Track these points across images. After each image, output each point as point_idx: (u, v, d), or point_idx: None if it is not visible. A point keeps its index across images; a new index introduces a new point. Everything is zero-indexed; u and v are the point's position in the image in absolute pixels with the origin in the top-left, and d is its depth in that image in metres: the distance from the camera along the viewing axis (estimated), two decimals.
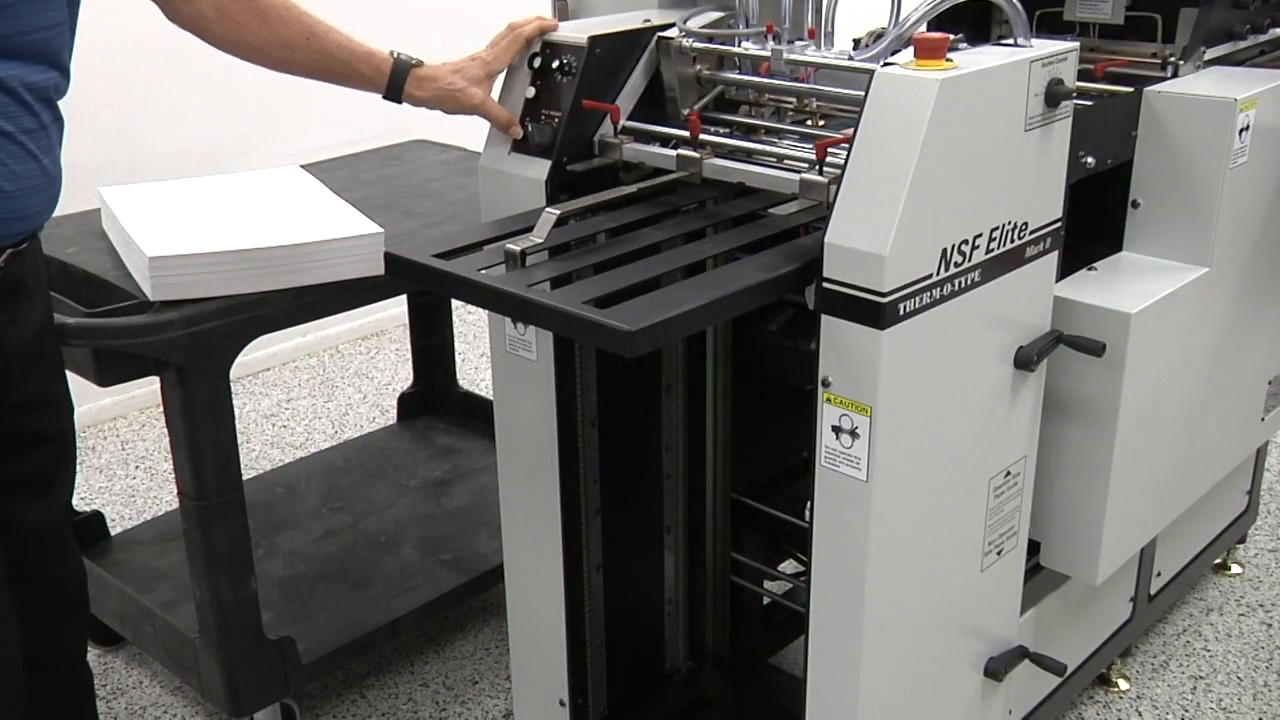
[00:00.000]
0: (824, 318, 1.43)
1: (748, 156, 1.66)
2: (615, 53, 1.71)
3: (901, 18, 1.58)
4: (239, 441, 2.11)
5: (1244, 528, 2.65)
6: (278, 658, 2.06)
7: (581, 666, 1.93)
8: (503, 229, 1.57)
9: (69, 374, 1.68)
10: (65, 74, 1.43)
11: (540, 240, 1.48)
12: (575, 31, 1.69)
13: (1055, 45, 1.54)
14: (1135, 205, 1.89)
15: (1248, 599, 2.63)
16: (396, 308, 3.44)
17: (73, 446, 1.67)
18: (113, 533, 2.49)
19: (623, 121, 1.71)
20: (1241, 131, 1.82)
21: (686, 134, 1.68)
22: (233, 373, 1.88)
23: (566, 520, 1.83)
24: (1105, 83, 1.91)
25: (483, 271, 1.45)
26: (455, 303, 3.14)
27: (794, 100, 1.76)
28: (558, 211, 1.50)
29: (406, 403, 3.02)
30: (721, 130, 1.72)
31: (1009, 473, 1.70)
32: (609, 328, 1.27)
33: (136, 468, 3.26)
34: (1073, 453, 1.83)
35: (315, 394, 3.69)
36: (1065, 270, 1.78)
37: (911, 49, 1.42)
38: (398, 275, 1.55)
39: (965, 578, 1.70)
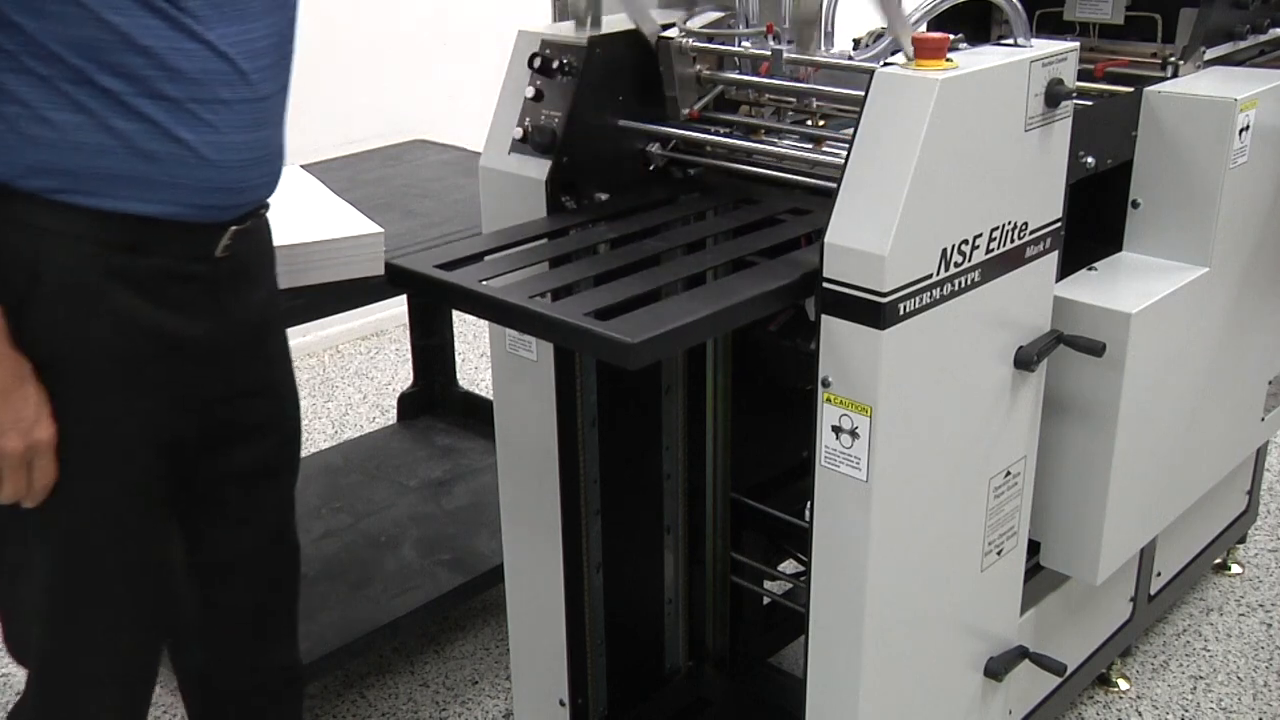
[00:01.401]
0: (824, 318, 1.43)
1: (748, 156, 1.66)
2: (615, 53, 1.71)
3: None
4: None
5: (1244, 528, 2.65)
6: None
7: (581, 666, 1.93)
8: (504, 239, 1.57)
9: None
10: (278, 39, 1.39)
11: None
12: (575, 31, 1.69)
13: (1055, 45, 1.53)
14: (1135, 205, 1.89)
15: (1248, 599, 2.63)
16: (396, 308, 3.44)
17: (296, 436, 1.65)
18: None
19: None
20: (1241, 131, 1.82)
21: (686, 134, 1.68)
22: None
23: (566, 520, 1.82)
24: (1105, 83, 1.91)
25: (484, 283, 1.45)
26: None
27: (794, 100, 1.76)
28: None
29: (406, 403, 3.02)
30: (721, 130, 1.72)
31: (1009, 473, 1.70)
32: (610, 340, 1.27)
33: None
34: (1073, 453, 1.83)
35: (315, 394, 3.69)
36: (1065, 270, 1.78)
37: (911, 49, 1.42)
38: (400, 285, 1.55)
39: (965, 578, 1.70)
